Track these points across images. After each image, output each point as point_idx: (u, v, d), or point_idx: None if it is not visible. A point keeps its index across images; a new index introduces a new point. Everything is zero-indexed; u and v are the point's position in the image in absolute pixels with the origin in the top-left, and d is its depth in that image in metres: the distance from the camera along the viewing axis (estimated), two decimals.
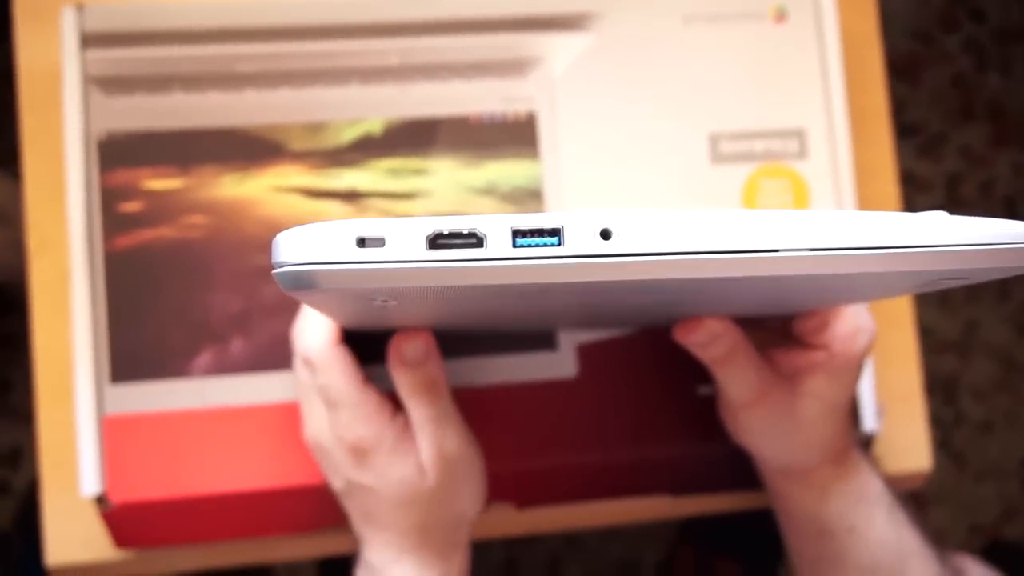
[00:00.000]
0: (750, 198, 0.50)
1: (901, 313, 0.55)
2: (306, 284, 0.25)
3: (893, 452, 0.53)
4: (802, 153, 0.50)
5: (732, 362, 0.40)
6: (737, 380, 0.41)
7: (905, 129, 1.12)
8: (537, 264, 0.25)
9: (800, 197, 0.50)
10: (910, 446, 0.54)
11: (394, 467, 0.39)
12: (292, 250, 0.25)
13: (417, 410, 0.39)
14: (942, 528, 1.07)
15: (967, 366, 1.11)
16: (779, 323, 0.43)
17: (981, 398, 1.11)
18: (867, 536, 0.45)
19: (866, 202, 0.54)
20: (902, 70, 1.11)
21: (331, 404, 0.39)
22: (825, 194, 0.50)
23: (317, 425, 0.41)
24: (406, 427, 0.40)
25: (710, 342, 0.39)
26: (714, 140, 0.50)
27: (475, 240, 0.25)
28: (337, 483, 0.41)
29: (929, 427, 0.54)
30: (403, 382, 0.39)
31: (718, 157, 0.50)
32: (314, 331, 0.39)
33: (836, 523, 0.45)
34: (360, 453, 0.39)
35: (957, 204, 1.13)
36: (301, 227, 0.25)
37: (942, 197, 1.13)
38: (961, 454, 1.09)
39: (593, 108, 0.50)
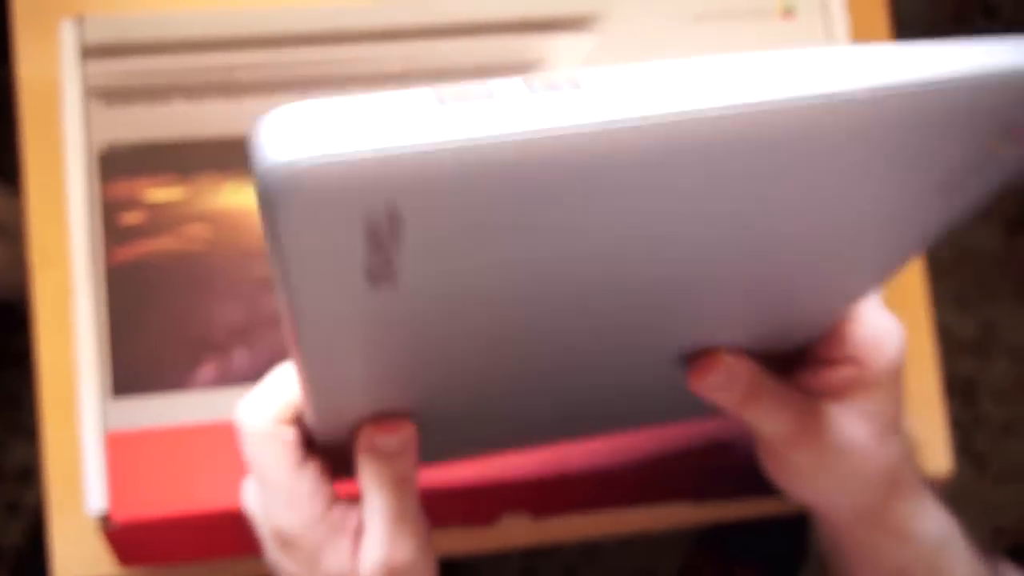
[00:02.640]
0: None
1: (918, 313, 0.54)
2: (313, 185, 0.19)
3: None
4: None
5: (757, 399, 0.35)
6: (770, 418, 0.36)
7: None
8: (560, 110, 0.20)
9: None
10: (930, 449, 0.53)
11: (322, 566, 0.34)
12: (288, 135, 0.19)
13: (375, 503, 0.33)
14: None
15: (986, 367, 1.10)
16: (792, 350, 0.38)
17: (1001, 399, 1.09)
18: None
19: None
20: None
21: (259, 481, 0.35)
22: None
23: (251, 494, 0.36)
24: (346, 520, 0.34)
25: (729, 384, 0.35)
26: None
27: (486, 93, 0.20)
28: (266, 556, 0.36)
29: (949, 429, 0.53)
30: (368, 471, 0.33)
31: None
32: (256, 401, 0.34)
33: (918, 567, 0.40)
34: (284, 541, 0.34)
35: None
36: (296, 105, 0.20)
37: None
38: (982, 456, 1.08)
39: None
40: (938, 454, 0.52)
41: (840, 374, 0.36)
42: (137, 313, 0.45)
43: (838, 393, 0.37)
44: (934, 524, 0.40)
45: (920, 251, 0.32)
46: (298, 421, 0.35)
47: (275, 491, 0.34)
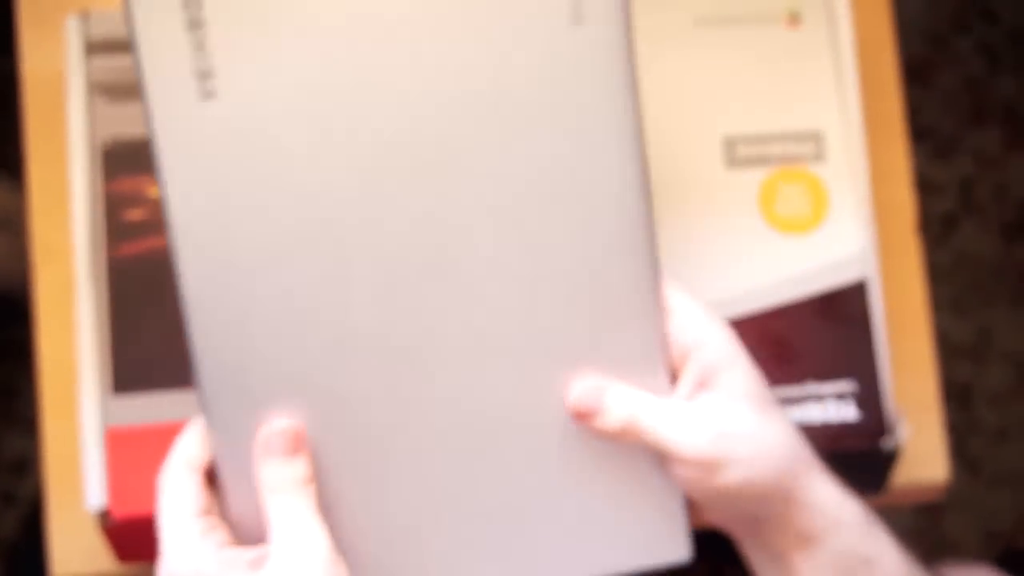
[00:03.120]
0: (768, 203, 0.49)
1: (916, 319, 0.54)
2: None
3: (910, 463, 0.52)
4: (819, 155, 0.49)
5: (638, 421, 0.38)
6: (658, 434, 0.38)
7: (918, 132, 1.11)
8: None
9: (819, 201, 0.49)
10: (927, 457, 0.53)
11: None
12: None
13: (278, 510, 0.36)
14: (957, 536, 1.06)
15: (982, 372, 1.10)
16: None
17: (996, 405, 1.09)
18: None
19: (882, 208, 0.53)
20: (914, 73, 1.10)
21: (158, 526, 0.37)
22: (844, 197, 0.49)
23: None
24: (238, 556, 0.35)
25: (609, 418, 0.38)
26: (729, 144, 0.49)
27: None
28: None
29: (947, 438, 0.53)
30: (267, 477, 0.36)
31: (734, 161, 0.49)
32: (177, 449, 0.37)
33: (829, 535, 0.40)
34: None
35: (970, 208, 1.12)
36: None
37: (955, 200, 1.12)
38: (976, 461, 1.08)
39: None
40: (936, 462, 0.53)
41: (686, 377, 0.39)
42: (139, 310, 0.45)
43: (695, 393, 0.38)
44: (835, 499, 0.39)
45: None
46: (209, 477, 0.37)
47: (167, 536, 0.36)
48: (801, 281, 0.48)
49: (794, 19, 0.50)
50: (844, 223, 0.49)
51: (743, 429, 0.38)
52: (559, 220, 0.38)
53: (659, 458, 0.39)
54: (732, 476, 0.37)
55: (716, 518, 0.41)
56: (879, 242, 0.52)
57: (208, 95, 0.35)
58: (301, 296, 0.36)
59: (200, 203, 0.35)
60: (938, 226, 1.12)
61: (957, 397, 1.09)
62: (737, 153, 0.49)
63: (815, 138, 0.50)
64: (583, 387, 0.38)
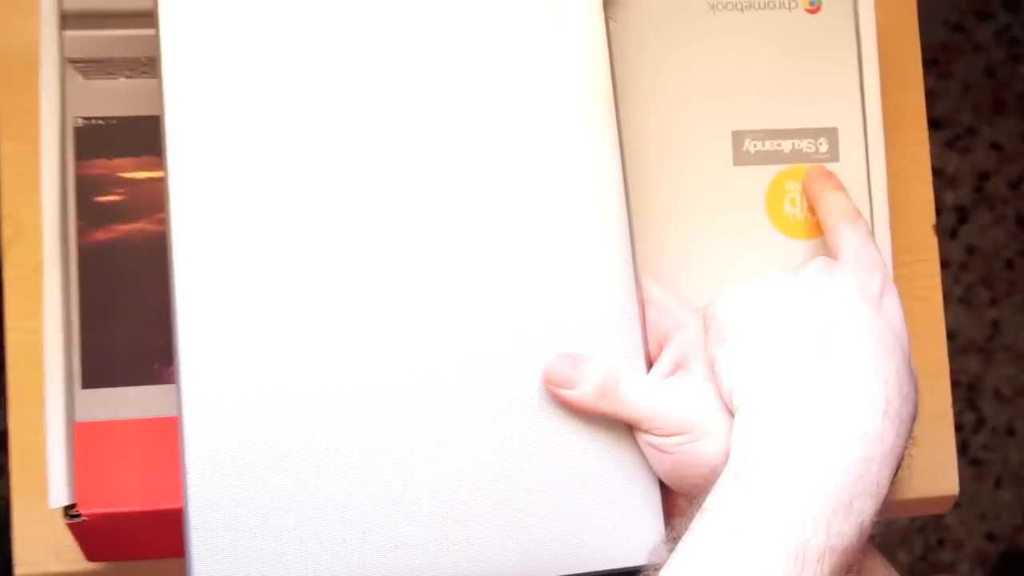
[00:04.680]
0: (775, 202, 0.46)
1: (932, 324, 0.52)
2: None
3: (919, 475, 0.50)
4: (832, 154, 0.47)
5: (613, 392, 0.39)
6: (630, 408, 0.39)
7: (934, 122, 1.08)
8: None
9: None
10: (938, 469, 0.50)
11: None
12: None
13: None
14: (958, 536, 1.04)
15: (989, 369, 1.07)
16: None
17: (1003, 402, 1.07)
18: None
19: (899, 206, 0.50)
20: (932, 61, 1.07)
21: None
22: (856, 199, 0.46)
23: None
24: None
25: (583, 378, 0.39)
26: (738, 138, 0.46)
27: None
28: None
29: (955, 441, 0.51)
30: None
31: (742, 157, 0.46)
32: None
33: None
34: None
35: (985, 201, 1.09)
36: None
37: (970, 193, 1.09)
38: (981, 459, 1.06)
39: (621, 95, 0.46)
40: (946, 475, 0.50)
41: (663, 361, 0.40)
42: (110, 300, 0.42)
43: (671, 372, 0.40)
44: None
45: None
46: None
47: None
48: None
49: (814, 4, 0.47)
50: None
51: (719, 405, 0.38)
52: (540, 211, 0.40)
53: (636, 447, 0.39)
54: (710, 446, 0.37)
55: (684, 489, 0.40)
56: (895, 240, 0.49)
57: None
58: (290, 290, 0.38)
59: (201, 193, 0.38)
60: (950, 218, 1.09)
61: (964, 394, 1.07)
62: (746, 148, 0.46)
63: (829, 135, 0.47)
64: (559, 356, 0.39)
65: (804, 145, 0.47)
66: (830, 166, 0.47)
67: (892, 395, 0.36)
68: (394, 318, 0.38)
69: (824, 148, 0.47)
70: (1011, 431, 1.07)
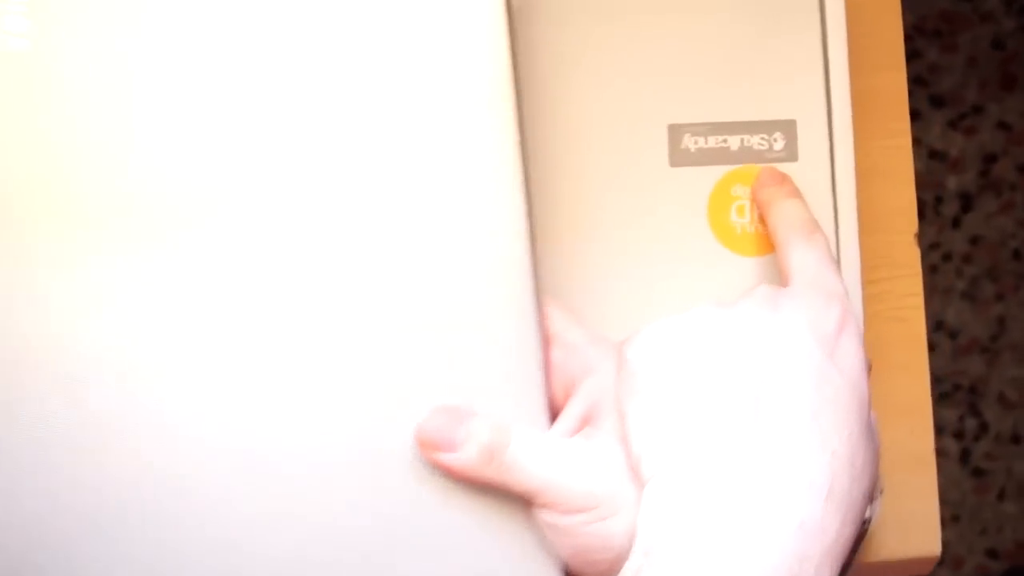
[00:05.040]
0: (719, 211, 0.38)
1: (913, 353, 0.44)
2: None
3: (891, 531, 0.42)
4: (789, 152, 0.39)
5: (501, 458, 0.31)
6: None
7: (936, 100, 1.00)
8: None
9: None
10: (915, 524, 0.43)
11: None
12: None
13: None
14: (957, 552, 0.96)
15: (994, 370, 0.99)
16: None
17: (1009, 406, 0.99)
18: None
19: (874, 212, 0.42)
20: (934, 31, 0.98)
21: None
22: (819, 206, 0.38)
23: None
24: None
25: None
26: (675, 133, 0.38)
27: None
28: None
29: (938, 499, 0.43)
30: None
31: (680, 156, 0.38)
32: None
33: None
34: None
35: (992, 185, 1.01)
36: None
37: (975, 177, 1.01)
38: (983, 469, 0.98)
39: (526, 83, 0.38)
40: (926, 531, 0.42)
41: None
42: None
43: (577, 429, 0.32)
44: None
45: None
46: None
47: None
48: None
49: None
50: None
51: (632, 473, 0.31)
52: (417, 223, 0.32)
53: (534, 525, 0.32)
54: (619, 525, 0.30)
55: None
56: (870, 252, 0.41)
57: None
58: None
59: None
60: (953, 205, 1.00)
61: (966, 397, 0.99)
62: (684, 146, 0.38)
63: (786, 129, 0.39)
64: (436, 411, 0.31)
65: (755, 141, 0.39)
66: (786, 167, 0.38)
67: (840, 471, 0.28)
68: (222, 353, 0.31)
69: (779, 145, 0.39)
70: (1016, 439, 0.99)
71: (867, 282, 0.43)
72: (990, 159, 1.01)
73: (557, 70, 0.38)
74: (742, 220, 0.38)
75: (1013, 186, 1.01)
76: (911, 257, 0.44)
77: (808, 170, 0.39)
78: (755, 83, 0.39)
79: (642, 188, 0.38)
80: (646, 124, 0.38)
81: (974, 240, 1.00)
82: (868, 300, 0.42)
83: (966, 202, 1.01)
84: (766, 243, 0.38)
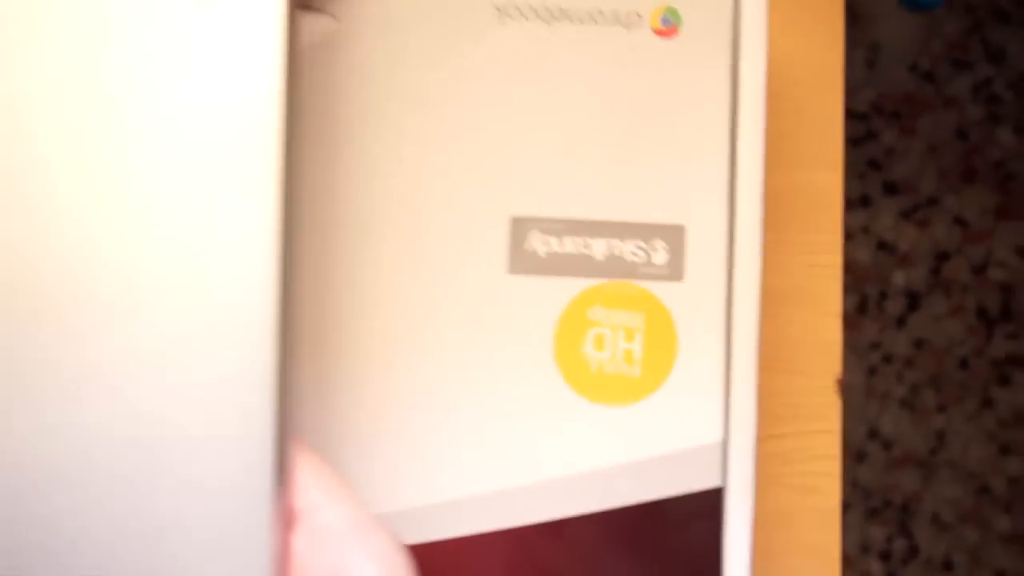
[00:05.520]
0: (569, 341, 0.28)
1: (822, 532, 0.34)
2: None
3: None
4: (674, 268, 0.29)
5: None
6: None
7: (890, 187, 0.91)
8: None
9: (659, 347, 0.28)
10: None
11: None
12: None
13: None
14: None
15: (929, 488, 0.90)
16: None
17: (942, 528, 0.90)
18: None
19: (788, 347, 0.33)
20: (893, 114, 0.90)
21: None
22: (707, 346, 0.28)
23: None
24: None
25: None
26: (519, 229, 0.28)
27: None
28: None
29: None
30: None
31: (523, 260, 0.28)
32: None
33: None
34: None
35: (943, 285, 0.92)
36: None
37: (925, 275, 0.92)
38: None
39: (331, 138, 0.28)
40: None
41: None
42: None
43: None
44: None
45: None
46: None
47: None
48: (608, 480, 0.28)
49: (668, 24, 0.29)
50: (697, 389, 0.28)
51: None
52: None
53: None
54: None
55: None
56: (778, 398, 0.32)
57: None
58: None
59: None
60: (899, 303, 0.91)
61: (895, 516, 0.89)
62: (530, 247, 0.28)
63: (670, 237, 0.29)
64: None
65: (628, 250, 0.28)
66: (668, 288, 0.28)
67: None
68: None
69: (660, 257, 0.29)
70: (948, 565, 0.90)
71: (770, 436, 0.33)
72: (943, 256, 0.92)
73: (364, 129, 0.28)
74: (600, 355, 0.28)
75: (965, 288, 0.92)
76: (830, 408, 0.34)
77: (697, 293, 0.28)
78: (634, 173, 0.29)
79: (466, 302, 0.28)
80: (482, 215, 0.28)
81: (919, 343, 0.91)
82: (769, 459, 0.32)
83: (913, 301, 0.92)
84: (634, 387, 0.28)
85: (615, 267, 0.28)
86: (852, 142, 0.91)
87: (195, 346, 0.23)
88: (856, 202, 0.91)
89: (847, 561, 0.89)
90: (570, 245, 0.28)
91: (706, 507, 0.28)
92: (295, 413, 0.27)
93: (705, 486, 0.29)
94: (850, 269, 0.91)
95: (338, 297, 0.27)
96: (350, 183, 0.28)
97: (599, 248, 0.28)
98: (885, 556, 0.88)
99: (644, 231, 0.28)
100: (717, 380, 0.28)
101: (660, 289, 0.28)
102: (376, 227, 0.28)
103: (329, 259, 0.28)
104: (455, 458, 0.27)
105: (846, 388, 0.90)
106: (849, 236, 0.90)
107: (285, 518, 0.23)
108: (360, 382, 0.27)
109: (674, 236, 0.29)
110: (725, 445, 0.29)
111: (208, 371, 0.23)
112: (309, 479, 0.24)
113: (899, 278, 0.91)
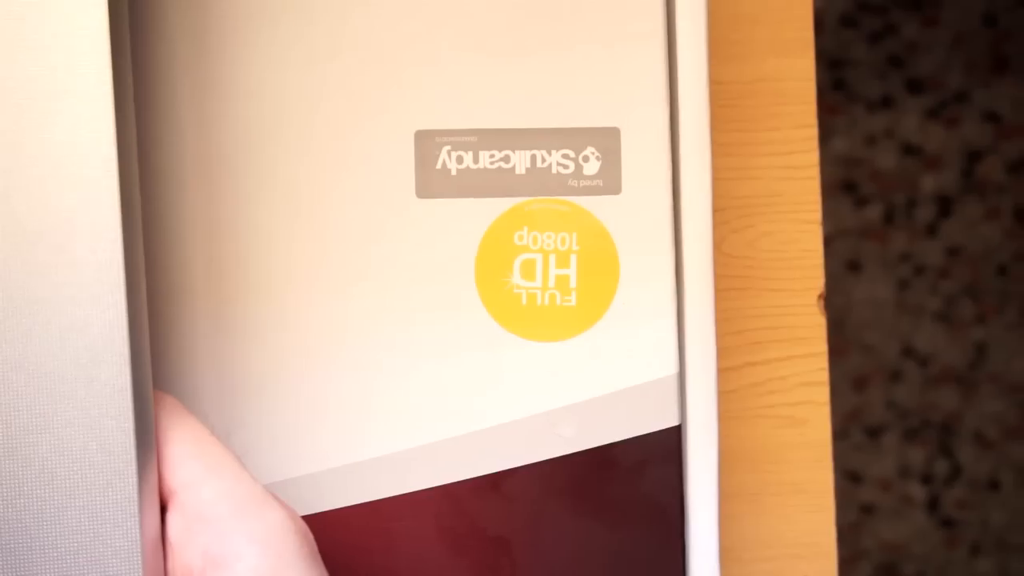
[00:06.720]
0: (493, 271, 0.25)
1: (813, 474, 0.30)
2: None
3: None
4: (608, 179, 0.25)
5: None
6: None
7: (914, 84, 0.86)
8: None
9: (598, 272, 0.25)
10: None
11: None
12: None
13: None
14: None
15: (970, 405, 0.86)
16: None
17: (986, 447, 0.87)
18: None
19: (758, 261, 0.29)
20: (914, 4, 0.85)
21: None
22: (653, 267, 0.25)
23: None
24: None
25: None
26: (425, 144, 0.24)
27: None
28: None
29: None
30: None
31: (433, 181, 0.24)
32: None
33: None
34: None
35: (976, 187, 0.87)
36: None
37: (957, 178, 0.87)
38: (954, 519, 0.86)
39: (205, 59, 0.24)
40: None
41: None
42: None
43: None
44: None
45: None
46: None
47: None
48: (549, 426, 0.24)
49: None
50: (645, 318, 0.24)
51: None
52: None
53: None
54: None
55: None
56: (751, 321, 0.29)
57: None
58: None
59: None
60: (929, 210, 0.87)
61: (937, 436, 0.86)
62: (440, 164, 0.24)
63: (602, 142, 0.25)
64: None
65: (554, 161, 0.25)
66: (603, 202, 0.25)
67: None
68: None
69: (593, 168, 0.25)
70: (994, 484, 0.86)
71: (748, 364, 0.29)
72: (974, 156, 0.88)
73: (278, 46, 0.24)
74: (531, 285, 0.25)
75: (1001, 188, 0.87)
76: (815, 328, 0.30)
77: (637, 206, 0.25)
78: (557, 71, 0.25)
79: (371, 233, 0.24)
80: (385, 130, 0.24)
81: (952, 251, 0.87)
82: (749, 391, 0.29)
83: (944, 206, 0.87)
84: (572, 320, 0.24)
85: (540, 182, 0.24)
86: (870, 38, 0.86)
87: (32, 308, 0.19)
88: (877, 103, 0.86)
89: (885, 485, 0.86)
90: (486, 160, 0.24)
91: (663, 449, 0.25)
92: (171, 372, 0.24)
93: (660, 425, 0.25)
94: (874, 177, 0.86)
95: (229, 236, 0.24)
96: (231, 108, 0.24)
97: (520, 161, 0.25)
98: (927, 479, 0.85)
99: (572, 137, 0.25)
100: (667, 305, 0.25)
101: (594, 204, 0.25)
102: (265, 154, 0.24)
103: (214, 194, 0.24)
104: (373, 411, 0.24)
105: (875, 304, 0.86)
106: (872, 141, 0.86)
107: (157, 497, 0.20)
108: (258, 329, 0.24)
109: (607, 141, 0.25)
110: (681, 378, 0.25)
111: (47, 335, 0.19)
112: (184, 451, 0.21)
113: (928, 183, 0.87)
